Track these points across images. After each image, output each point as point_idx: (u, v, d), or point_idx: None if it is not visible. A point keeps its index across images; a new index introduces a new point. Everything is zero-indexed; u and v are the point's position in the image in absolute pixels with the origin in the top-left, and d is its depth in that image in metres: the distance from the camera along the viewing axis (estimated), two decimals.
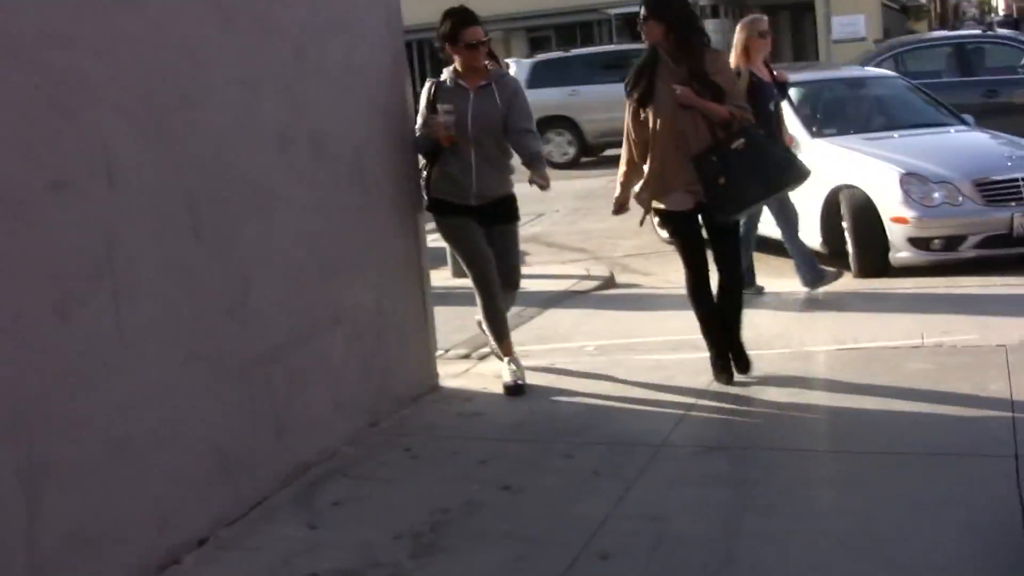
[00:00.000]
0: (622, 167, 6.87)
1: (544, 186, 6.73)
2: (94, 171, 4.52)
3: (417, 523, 5.02)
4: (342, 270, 6.22)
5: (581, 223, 15.28)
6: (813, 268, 9.09)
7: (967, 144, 11.10)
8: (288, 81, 5.82)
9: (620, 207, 7.03)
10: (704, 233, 6.75)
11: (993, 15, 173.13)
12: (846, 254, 10.12)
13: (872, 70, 13.47)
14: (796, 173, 6.81)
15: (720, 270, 6.76)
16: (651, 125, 6.51)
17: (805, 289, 9.10)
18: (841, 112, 12.20)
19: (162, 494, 4.81)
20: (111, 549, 4.53)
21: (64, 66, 4.41)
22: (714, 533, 4.72)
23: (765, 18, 9.05)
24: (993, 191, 9.80)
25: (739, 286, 6.96)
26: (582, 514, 4.98)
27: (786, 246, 9.24)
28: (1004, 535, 4.48)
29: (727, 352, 6.79)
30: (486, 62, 6.90)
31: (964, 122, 11.77)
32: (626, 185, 6.93)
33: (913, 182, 9.81)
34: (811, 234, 10.14)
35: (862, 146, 10.61)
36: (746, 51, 8.82)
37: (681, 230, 6.69)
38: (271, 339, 5.57)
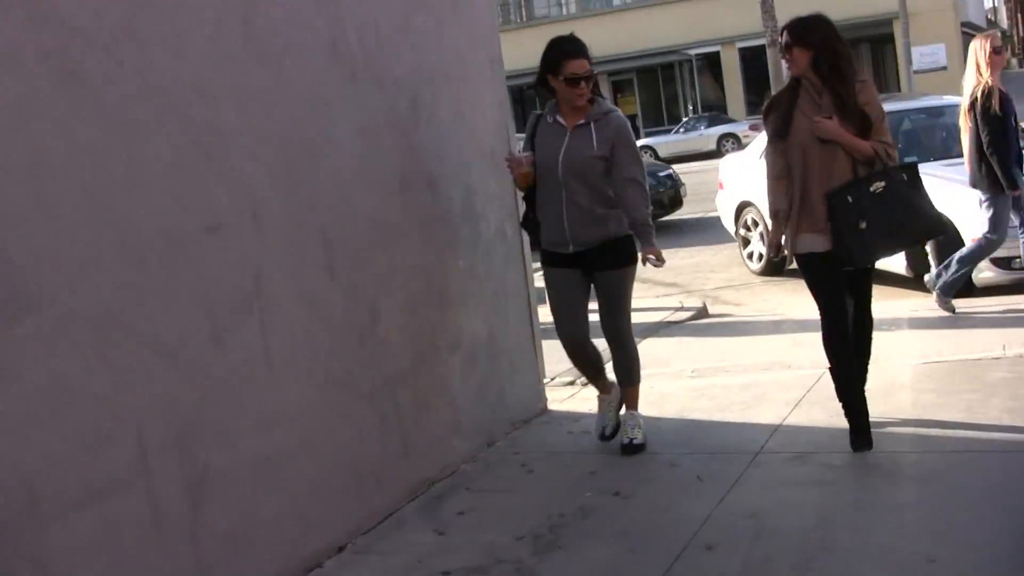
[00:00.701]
0: (770, 206, 6.23)
1: (656, 263, 6.30)
2: (241, 215, 5.09)
3: (536, 526, 5.51)
4: (457, 301, 6.75)
5: (671, 259, 15.68)
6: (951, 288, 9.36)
7: None
8: (405, 128, 6.38)
9: (775, 249, 6.28)
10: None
11: None
12: None
13: (950, 98, 13.77)
14: (935, 225, 6.23)
15: (853, 310, 6.24)
16: (788, 159, 6.04)
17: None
18: (920, 140, 12.56)
19: (304, 504, 5.34)
20: (261, 552, 5.07)
21: (209, 118, 4.98)
22: (808, 526, 5.16)
23: (998, 33, 9.31)
24: None
25: (871, 329, 6.41)
26: (687, 513, 5.45)
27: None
28: None
29: (865, 415, 6.17)
30: (589, 98, 6.40)
31: None
32: (777, 224, 6.22)
33: None
34: (895, 257, 10.48)
35: (943, 172, 10.94)
36: (988, 67, 8.96)
37: (817, 273, 6.08)
38: (397, 364, 6.10)
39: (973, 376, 7.24)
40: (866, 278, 6.26)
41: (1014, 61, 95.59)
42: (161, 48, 4.71)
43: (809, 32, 5.98)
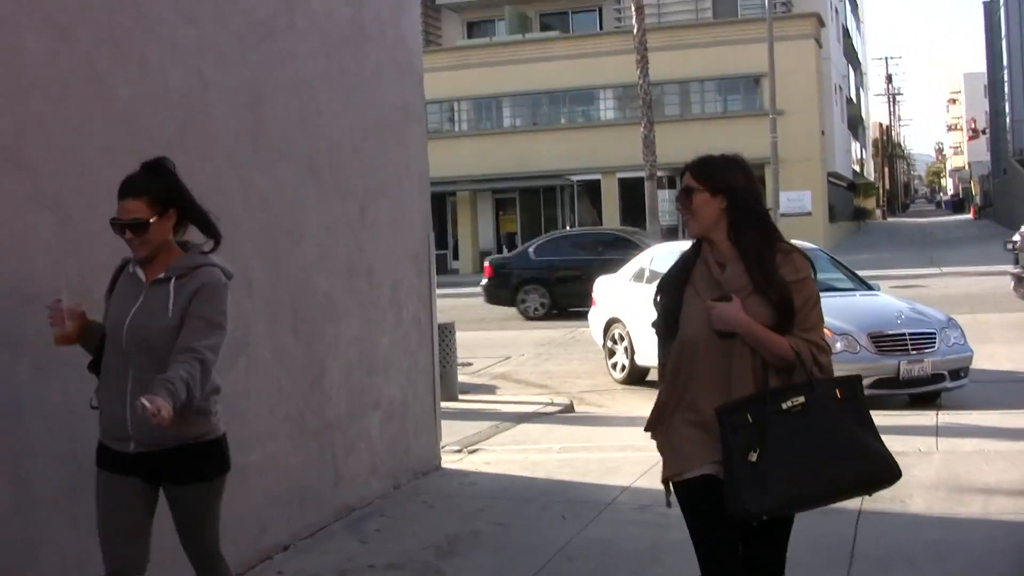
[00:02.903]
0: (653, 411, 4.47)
1: (152, 416, 4.18)
2: (240, 281, 6.74)
3: (438, 541, 7.21)
4: (381, 370, 8.45)
5: (544, 365, 17.55)
6: None
7: (867, 305, 13.42)
8: (354, 229, 8.12)
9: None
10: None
11: (942, 195, 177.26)
12: None
13: (798, 243, 15.87)
14: (877, 470, 4.17)
15: None
16: (676, 355, 4.29)
17: None
18: None
19: (262, 509, 6.95)
20: (231, 540, 6.61)
21: (224, 210, 6.65)
22: (644, 547, 6.91)
23: None
24: (884, 343, 12.16)
25: None
26: (553, 538, 7.19)
27: None
28: None
29: None
30: (182, 243, 4.91)
31: (870, 288, 14.19)
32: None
33: None
34: None
35: None
36: None
37: (698, 510, 4.27)
38: (335, 412, 7.78)
39: None
40: (777, 539, 4.33)
41: (878, 212, 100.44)
42: (199, 155, 6.40)
43: (721, 172, 4.31)
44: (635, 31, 33.31)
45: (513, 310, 26.65)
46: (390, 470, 8.54)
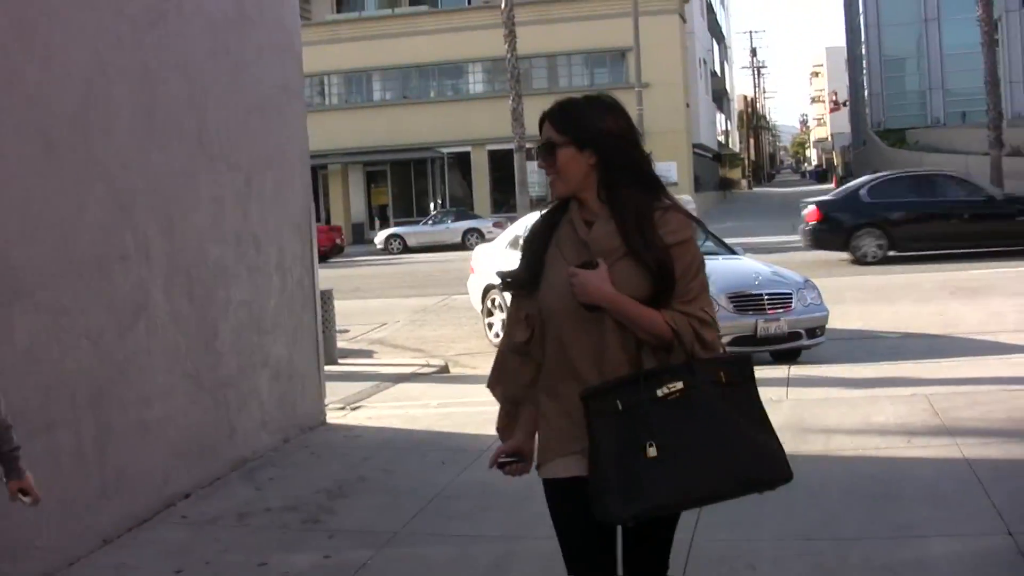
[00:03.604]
0: (493, 391, 3.95)
1: (30, 502, 4.26)
2: (139, 251, 7.29)
3: (328, 486, 7.83)
4: (269, 331, 9.03)
5: (419, 331, 18.19)
6: None
7: (728, 268, 14.05)
8: (241, 200, 8.68)
9: (499, 461, 3.93)
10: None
11: (806, 165, 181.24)
12: None
13: (680, 198, 16.68)
14: (767, 465, 3.57)
15: None
16: (532, 326, 3.74)
17: None
18: None
19: (165, 459, 7.50)
20: (139, 487, 7.20)
21: (126, 185, 7.18)
22: (519, 487, 7.58)
23: None
24: (742, 303, 12.99)
25: None
26: (434, 480, 7.86)
27: None
28: None
29: None
30: None
31: (734, 252, 15.02)
32: (507, 422, 3.93)
33: None
34: None
35: None
36: None
37: (564, 513, 3.73)
38: (227, 370, 8.35)
39: None
40: (658, 541, 3.78)
41: (743, 183, 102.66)
42: (101, 131, 6.92)
43: (589, 120, 3.64)
44: (503, 6, 34.03)
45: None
46: (279, 425, 9.12)
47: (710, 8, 71.42)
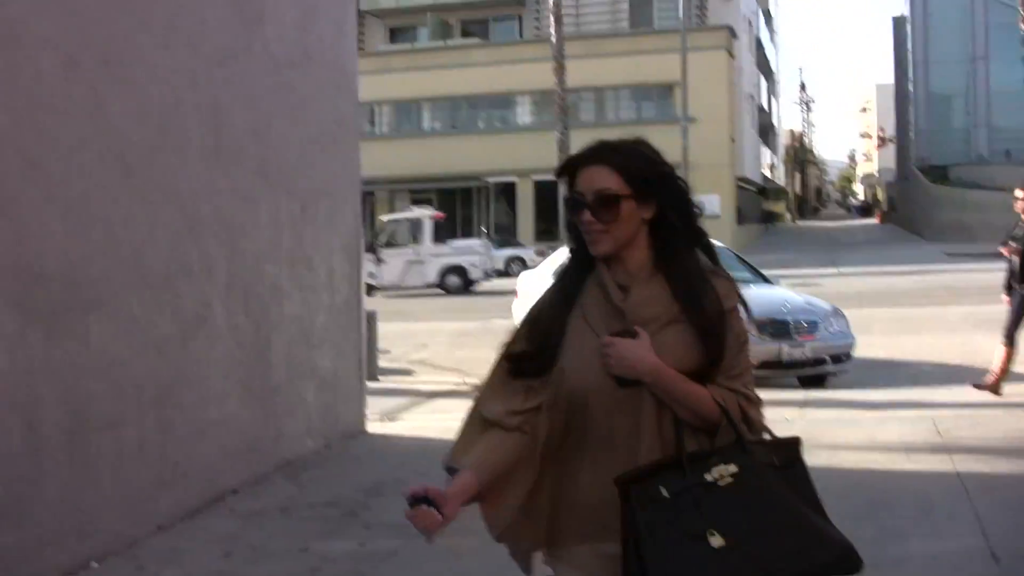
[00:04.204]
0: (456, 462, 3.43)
1: None
2: (203, 266, 8.08)
3: (366, 484, 8.58)
4: (317, 345, 9.81)
5: (458, 352, 18.93)
6: None
7: (759, 295, 14.30)
8: (296, 223, 9.47)
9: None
10: None
11: (852, 200, 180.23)
12: None
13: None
14: (837, 557, 3.03)
15: None
16: (549, 412, 3.09)
17: None
18: None
19: (218, 458, 8.25)
20: (199, 478, 7.95)
21: (194, 209, 7.98)
22: None
23: None
24: (769, 328, 13.42)
25: None
26: None
27: None
28: None
29: None
30: None
31: (767, 281, 15.59)
32: (495, 505, 3.22)
33: None
34: None
35: None
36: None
37: None
38: (278, 379, 9.12)
39: None
40: None
41: (787, 216, 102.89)
42: (174, 159, 7.72)
43: (653, 171, 3.09)
44: (553, 39, 34.76)
45: None
46: (322, 431, 9.88)
47: (759, 45, 71.96)
